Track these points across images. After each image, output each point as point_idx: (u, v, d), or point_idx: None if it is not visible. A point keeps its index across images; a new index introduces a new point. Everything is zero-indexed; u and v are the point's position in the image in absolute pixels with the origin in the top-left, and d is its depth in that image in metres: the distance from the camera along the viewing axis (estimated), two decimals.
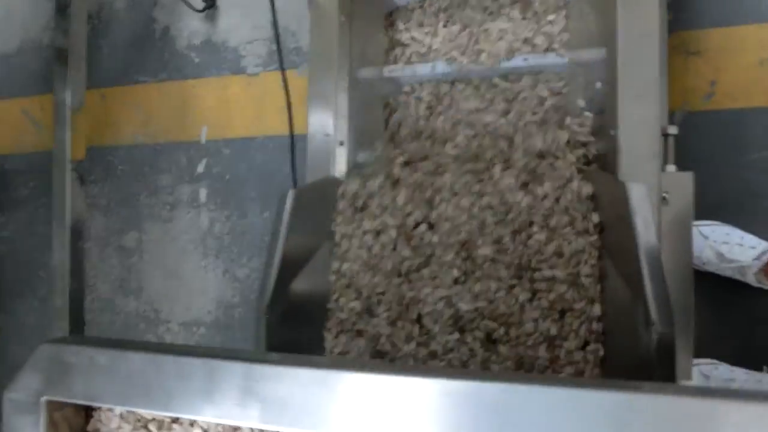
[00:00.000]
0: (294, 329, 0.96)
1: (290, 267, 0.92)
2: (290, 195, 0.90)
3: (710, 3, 1.44)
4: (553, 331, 0.90)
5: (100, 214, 1.95)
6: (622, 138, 1.00)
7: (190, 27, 1.89)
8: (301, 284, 0.96)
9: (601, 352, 0.89)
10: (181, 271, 1.84)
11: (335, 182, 1.05)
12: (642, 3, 1.02)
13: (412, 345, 0.95)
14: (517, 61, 1.14)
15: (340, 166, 1.08)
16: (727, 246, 1.35)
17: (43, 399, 0.62)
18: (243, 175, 1.81)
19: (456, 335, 0.93)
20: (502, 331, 0.92)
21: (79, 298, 1.49)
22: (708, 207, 1.29)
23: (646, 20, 1.02)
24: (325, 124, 1.11)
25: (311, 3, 1.17)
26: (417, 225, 0.99)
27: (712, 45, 1.43)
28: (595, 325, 0.90)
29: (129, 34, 1.97)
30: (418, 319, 0.96)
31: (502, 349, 0.92)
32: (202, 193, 1.84)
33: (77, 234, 1.60)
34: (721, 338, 1.36)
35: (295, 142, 1.67)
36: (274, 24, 1.56)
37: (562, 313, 0.92)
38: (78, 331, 1.49)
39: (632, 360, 0.82)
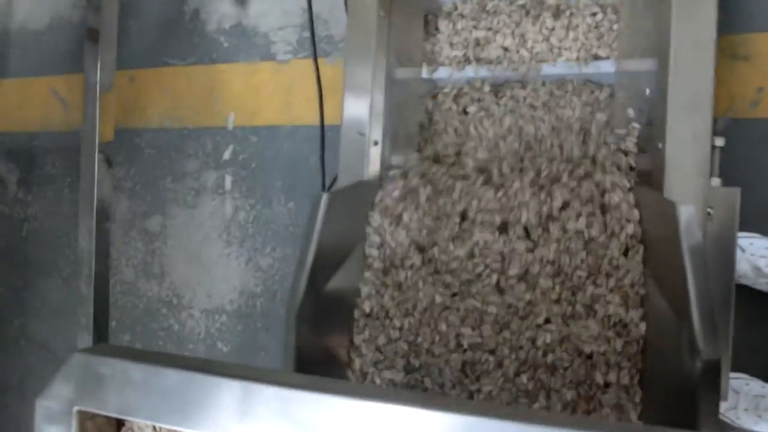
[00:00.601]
0: (323, 334, 0.95)
1: (321, 273, 0.90)
2: (324, 198, 0.88)
3: (760, 6, 1.38)
4: (599, 348, 0.88)
5: (125, 196, 1.95)
6: (669, 152, 0.97)
7: (221, 11, 1.86)
8: (331, 288, 0.94)
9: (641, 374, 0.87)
10: (204, 258, 1.84)
11: (369, 185, 1.02)
12: (698, 9, 0.98)
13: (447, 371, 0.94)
14: (562, 67, 1.10)
15: (373, 167, 1.06)
16: (765, 260, 1.31)
17: (75, 409, 0.61)
18: (269, 164, 1.79)
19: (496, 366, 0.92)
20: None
21: (104, 284, 1.48)
22: (748, 218, 1.25)
23: (702, 28, 0.98)
24: (360, 122, 1.09)
25: None
26: (452, 241, 0.97)
27: (761, 50, 1.37)
28: (637, 347, 0.87)
29: (159, 16, 1.95)
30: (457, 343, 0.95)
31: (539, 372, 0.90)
32: (228, 180, 1.83)
33: (103, 216, 1.59)
34: (753, 354, 1.33)
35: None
36: (309, 10, 1.52)
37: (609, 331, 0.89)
38: (102, 318, 1.49)
39: (675, 383, 0.80)
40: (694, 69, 0.97)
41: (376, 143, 1.07)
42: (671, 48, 0.95)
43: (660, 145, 0.98)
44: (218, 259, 1.82)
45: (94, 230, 1.50)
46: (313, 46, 1.69)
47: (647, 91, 1.03)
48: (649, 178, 1.00)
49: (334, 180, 1.55)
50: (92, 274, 1.46)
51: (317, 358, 0.93)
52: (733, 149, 1.27)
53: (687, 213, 0.78)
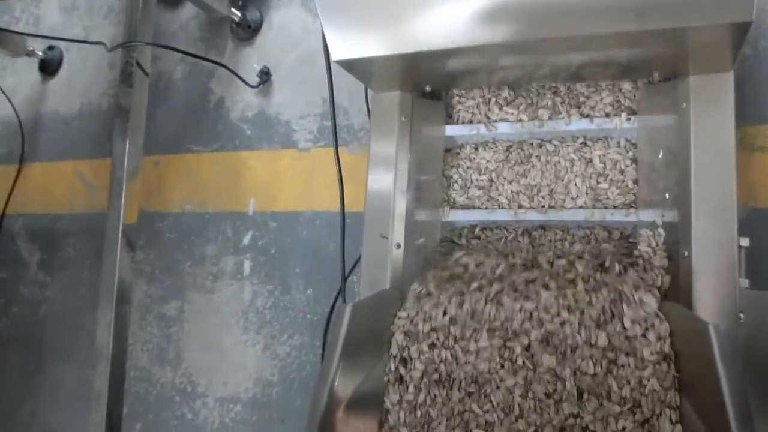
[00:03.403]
0: None
1: (344, 385, 0.88)
2: (347, 310, 0.87)
3: None
4: None
5: (144, 280, 1.96)
6: (696, 259, 0.96)
7: (245, 99, 1.92)
8: (354, 398, 0.92)
9: None
10: (220, 345, 1.82)
11: (392, 295, 1.02)
12: (717, 118, 0.99)
13: None
14: (584, 123, 1.13)
15: (396, 272, 1.05)
16: None
17: None
18: (288, 250, 1.80)
19: None
20: None
21: (120, 378, 1.47)
22: None
23: (722, 136, 0.99)
24: (383, 224, 1.09)
25: (374, 101, 1.17)
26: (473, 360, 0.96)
27: None
28: None
29: (185, 104, 2.01)
30: None
31: None
32: (247, 266, 1.83)
33: (123, 300, 1.59)
34: None
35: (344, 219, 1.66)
36: (331, 101, 1.56)
37: None
38: (116, 410, 1.46)
39: None
40: (716, 176, 0.97)
41: (398, 246, 1.07)
42: (692, 157, 0.96)
43: (686, 253, 0.97)
44: (234, 345, 1.80)
45: (113, 324, 1.50)
46: (334, 135, 1.72)
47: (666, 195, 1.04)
48: (676, 285, 0.99)
49: (354, 266, 1.55)
50: (108, 369, 1.44)
51: None
52: (756, 239, 1.26)
53: (721, 335, 0.76)
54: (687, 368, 0.87)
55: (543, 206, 1.17)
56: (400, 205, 1.10)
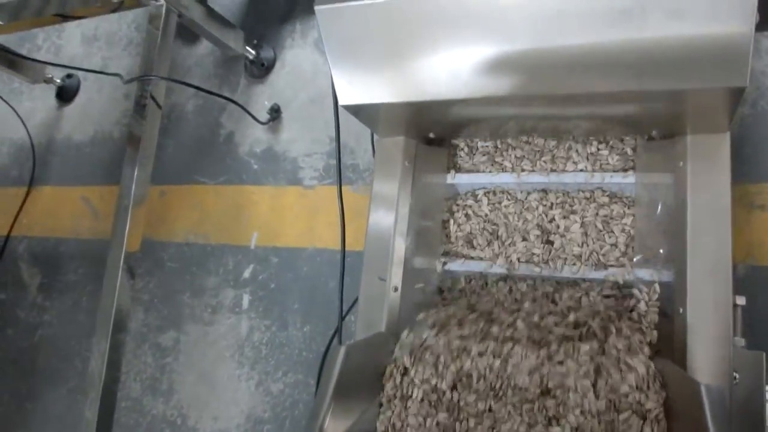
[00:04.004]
0: None
1: (334, 428, 0.88)
2: (341, 351, 0.88)
3: None
4: None
5: (142, 309, 1.96)
6: (690, 317, 0.96)
7: (254, 135, 1.96)
8: None
9: None
10: (214, 378, 1.81)
11: (387, 338, 1.02)
12: (713, 178, 1.01)
13: None
14: (585, 175, 1.14)
15: (392, 315, 1.06)
16: None
17: None
18: (288, 286, 1.80)
19: None
20: None
21: (110, 409, 1.45)
22: None
23: (718, 195, 1.00)
24: (381, 266, 1.10)
25: (378, 145, 1.19)
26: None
27: None
28: None
29: (195, 136, 2.05)
30: None
31: None
32: (245, 300, 1.84)
33: (119, 328, 1.59)
34: None
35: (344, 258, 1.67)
36: (337, 140, 1.58)
37: None
38: None
39: None
40: (712, 235, 0.98)
41: (395, 289, 1.08)
42: (688, 216, 0.98)
43: (681, 310, 0.97)
44: (228, 380, 1.79)
45: (107, 352, 1.50)
46: (339, 174, 1.74)
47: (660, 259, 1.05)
48: (671, 342, 0.99)
49: (352, 305, 1.55)
50: (99, 397, 1.43)
51: None
52: (754, 298, 1.26)
53: (713, 396, 0.76)
54: (678, 428, 0.87)
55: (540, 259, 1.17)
56: (399, 248, 1.11)
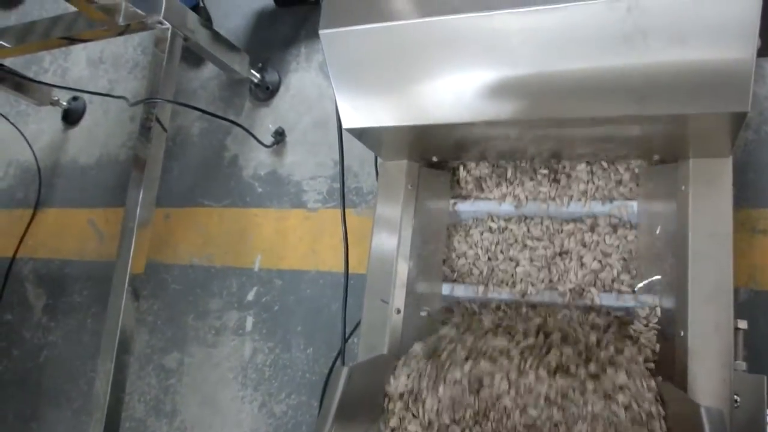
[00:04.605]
0: None
1: None
2: (344, 372, 0.88)
3: None
4: None
5: (146, 330, 1.96)
6: (691, 340, 0.96)
7: (259, 158, 1.98)
8: None
9: None
10: (217, 400, 1.81)
11: (389, 360, 1.02)
12: (714, 202, 1.02)
13: None
14: (587, 206, 1.15)
15: (394, 337, 1.07)
16: None
17: None
18: (291, 308, 1.81)
19: None
20: None
21: (116, 421, 1.46)
22: None
23: (719, 219, 1.01)
24: (384, 288, 1.11)
25: (382, 168, 1.21)
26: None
27: None
28: None
29: (200, 159, 2.07)
30: None
31: None
32: (249, 322, 1.84)
33: (124, 348, 1.60)
34: None
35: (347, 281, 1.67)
36: (341, 164, 1.60)
37: None
38: None
39: None
40: (713, 259, 0.99)
41: (398, 311, 1.09)
42: (690, 238, 0.98)
43: (682, 333, 0.97)
44: (231, 401, 1.79)
45: (112, 373, 1.50)
46: (342, 198, 1.76)
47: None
48: (672, 365, 0.99)
49: (355, 327, 1.55)
50: (103, 419, 1.44)
51: None
52: (756, 321, 1.26)
53: (713, 419, 0.76)
54: None
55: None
56: (402, 271, 1.12)
